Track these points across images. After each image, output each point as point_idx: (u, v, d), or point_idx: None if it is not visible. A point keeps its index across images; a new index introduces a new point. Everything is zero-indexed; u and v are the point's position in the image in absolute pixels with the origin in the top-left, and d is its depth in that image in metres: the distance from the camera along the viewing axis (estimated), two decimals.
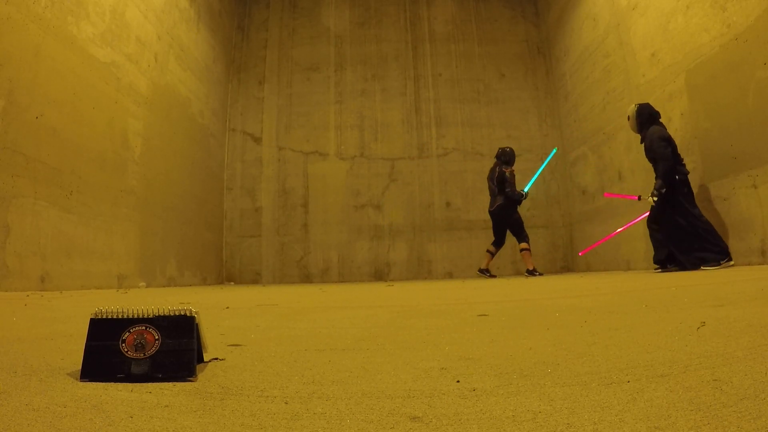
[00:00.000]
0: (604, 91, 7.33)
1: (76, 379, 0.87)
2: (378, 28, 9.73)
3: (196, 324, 0.92)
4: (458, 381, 0.84)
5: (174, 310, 0.91)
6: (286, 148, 9.15)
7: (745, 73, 4.53)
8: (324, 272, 8.73)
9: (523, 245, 6.91)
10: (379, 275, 8.74)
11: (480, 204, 8.64)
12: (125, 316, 0.90)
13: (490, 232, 9.05)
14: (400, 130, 9.24)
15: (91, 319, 0.90)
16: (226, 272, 8.75)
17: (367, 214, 8.90)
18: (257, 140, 9.21)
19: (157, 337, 0.88)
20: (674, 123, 5.63)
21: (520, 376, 0.86)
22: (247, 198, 9.01)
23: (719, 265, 4.42)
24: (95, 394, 0.78)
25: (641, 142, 5.11)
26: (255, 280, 8.72)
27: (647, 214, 5.13)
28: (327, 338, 1.39)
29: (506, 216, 7.00)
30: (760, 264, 4.39)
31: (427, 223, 8.87)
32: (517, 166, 9.06)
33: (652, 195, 4.78)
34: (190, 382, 0.86)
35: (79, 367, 0.88)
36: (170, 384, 0.84)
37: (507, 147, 7.18)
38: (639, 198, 5.37)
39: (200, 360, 0.99)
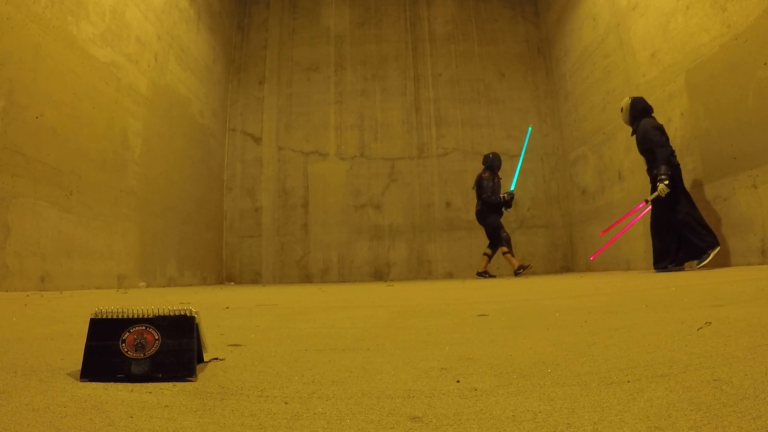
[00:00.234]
0: (604, 91, 7.33)
1: (76, 379, 0.87)
2: (378, 28, 9.73)
3: (196, 324, 0.92)
4: (458, 381, 0.84)
5: (174, 310, 0.91)
6: (286, 148, 9.15)
7: (745, 73, 4.53)
8: (324, 272, 8.73)
9: (503, 249, 7.04)
10: (379, 275, 8.74)
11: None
12: (125, 316, 0.90)
13: None
14: (400, 130, 9.24)
15: (91, 319, 0.90)
16: (226, 272, 8.75)
17: (367, 214, 8.91)
18: (257, 140, 9.21)
19: (157, 337, 0.88)
20: (674, 123, 5.63)
21: (520, 376, 0.86)
22: (247, 198, 9.01)
23: (709, 256, 4.45)
24: (95, 394, 0.78)
25: (632, 134, 5.11)
26: (255, 280, 8.72)
27: (649, 209, 5.05)
28: (327, 338, 1.39)
29: (482, 220, 7.15)
30: (760, 264, 4.39)
31: (427, 223, 8.87)
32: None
33: (662, 182, 4.59)
34: (190, 382, 0.86)
35: (79, 367, 0.88)
36: (170, 384, 0.84)
37: (491, 153, 7.34)
38: (647, 201, 4.97)
39: (200, 360, 0.99)
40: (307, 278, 8.72)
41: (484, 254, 7.12)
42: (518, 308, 2.04)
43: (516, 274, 6.94)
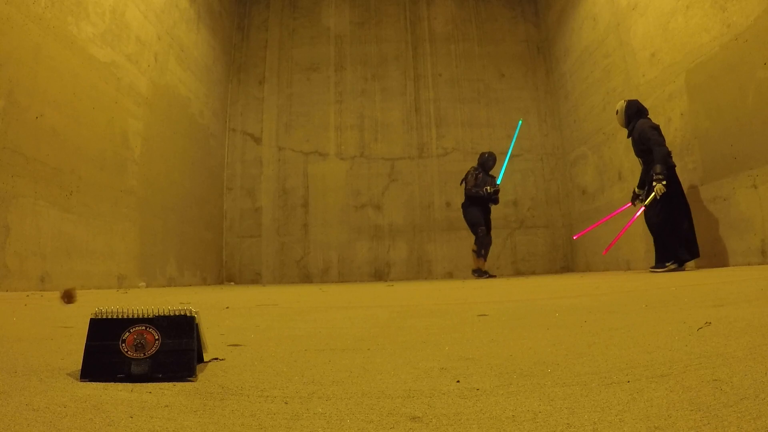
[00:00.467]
0: (604, 91, 7.33)
1: (76, 379, 0.87)
2: (378, 28, 9.73)
3: (196, 324, 0.92)
4: (458, 381, 0.84)
5: (174, 310, 0.91)
6: (286, 148, 9.15)
7: (745, 73, 4.53)
8: (324, 272, 8.73)
9: (473, 247, 7.04)
10: (379, 275, 8.74)
11: None
12: (125, 316, 0.90)
13: (490, 232, 9.08)
14: (400, 130, 9.24)
15: (91, 319, 0.90)
16: (226, 272, 8.75)
17: (367, 214, 8.91)
18: (257, 140, 9.21)
19: (157, 337, 0.88)
20: (674, 123, 5.63)
21: (520, 376, 0.86)
22: (247, 198, 9.01)
23: (665, 268, 4.59)
24: (95, 394, 0.78)
25: (628, 136, 5.11)
26: (255, 280, 8.72)
27: (641, 210, 5.05)
28: (327, 338, 1.39)
29: (464, 214, 7.19)
30: (760, 264, 4.39)
31: (427, 223, 8.87)
32: (517, 166, 9.05)
33: (659, 182, 4.55)
34: (190, 382, 0.86)
35: (79, 367, 0.88)
36: (170, 384, 0.84)
37: (487, 152, 7.36)
38: (645, 205, 4.90)
39: (200, 360, 0.99)
40: (307, 278, 8.72)
41: (473, 251, 7.08)
42: (518, 308, 2.04)
43: (473, 272, 6.97)
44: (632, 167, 6.60)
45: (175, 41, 7.04)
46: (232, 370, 0.97)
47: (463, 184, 7.20)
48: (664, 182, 4.57)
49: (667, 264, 4.61)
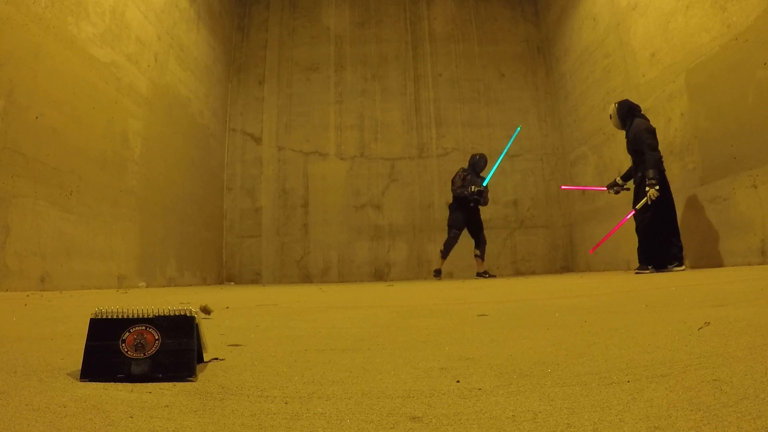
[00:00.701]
0: (604, 91, 7.33)
1: (76, 379, 0.87)
2: (378, 28, 9.73)
3: (196, 324, 0.92)
4: (458, 381, 0.84)
5: (174, 310, 0.91)
6: (286, 148, 9.15)
7: (745, 73, 4.53)
8: (324, 272, 8.73)
9: (441, 248, 7.07)
10: (379, 275, 8.74)
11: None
12: (125, 316, 0.90)
13: (490, 233, 9.05)
14: (400, 130, 9.24)
15: (91, 319, 0.90)
16: (226, 272, 8.75)
17: (367, 214, 8.91)
18: (257, 140, 9.22)
19: (157, 337, 0.88)
20: (674, 123, 5.63)
21: (520, 376, 0.86)
22: (247, 198, 9.01)
23: (646, 270, 4.68)
24: (95, 394, 0.78)
25: (626, 137, 5.13)
26: (255, 280, 8.72)
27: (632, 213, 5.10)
28: (327, 338, 1.39)
29: (449, 211, 7.20)
30: (760, 264, 4.39)
31: (427, 223, 8.87)
32: (517, 166, 9.06)
33: (652, 187, 4.60)
34: (190, 382, 0.86)
35: (79, 367, 0.88)
36: (170, 384, 0.84)
37: (478, 154, 7.35)
38: (636, 209, 4.96)
39: (200, 360, 0.99)
40: (307, 278, 8.72)
41: (475, 256, 7.09)
42: (518, 308, 2.04)
43: (435, 273, 7.04)
44: None
45: (175, 41, 7.04)
46: (232, 370, 0.97)
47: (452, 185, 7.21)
48: (657, 187, 4.61)
49: (649, 268, 4.71)
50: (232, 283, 8.62)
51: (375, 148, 9.15)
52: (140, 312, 0.90)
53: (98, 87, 5.19)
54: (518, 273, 8.68)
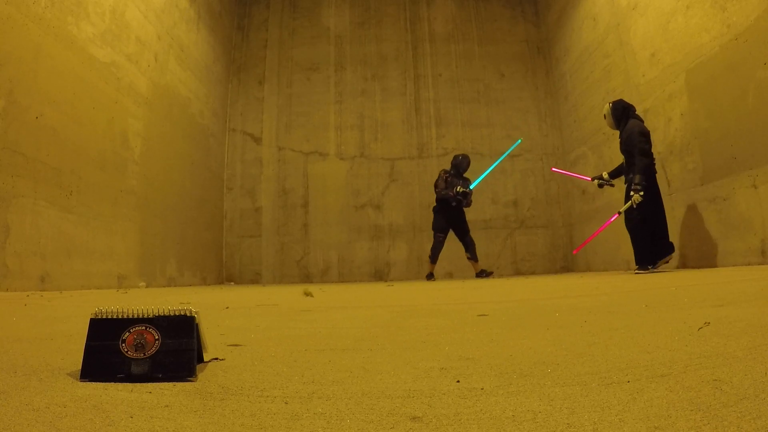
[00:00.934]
0: (604, 91, 7.33)
1: (76, 379, 0.87)
2: (378, 28, 9.73)
3: (196, 324, 0.92)
4: (458, 381, 0.84)
5: (174, 310, 0.91)
6: (286, 148, 9.15)
7: (745, 73, 4.53)
8: (324, 272, 8.73)
9: (429, 253, 7.03)
10: (379, 275, 8.74)
11: (479, 204, 8.64)
12: (125, 316, 0.90)
13: (490, 233, 9.06)
14: (400, 130, 9.24)
15: (91, 319, 0.90)
16: (226, 272, 8.75)
17: (367, 214, 8.91)
18: (257, 140, 9.21)
19: (157, 337, 0.88)
20: (674, 123, 5.63)
21: (520, 376, 0.86)
22: (247, 198, 9.01)
23: (646, 270, 4.73)
24: (95, 394, 0.78)
25: (620, 137, 5.16)
26: (255, 280, 8.72)
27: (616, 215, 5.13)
28: (327, 338, 1.39)
29: (433, 214, 7.14)
30: (760, 264, 4.39)
31: (427, 223, 8.83)
32: (517, 166, 9.06)
33: (636, 192, 4.68)
34: (190, 382, 0.86)
35: (79, 367, 0.88)
36: (170, 384, 0.84)
37: (460, 154, 7.26)
38: (620, 213, 5.05)
39: (200, 360, 0.99)
40: (307, 278, 8.72)
41: (468, 259, 7.06)
42: (518, 308, 2.04)
43: (428, 277, 7.01)
44: None
45: (175, 41, 7.04)
46: (232, 370, 0.97)
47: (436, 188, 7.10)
48: (641, 193, 4.68)
49: (650, 268, 4.74)
50: (232, 283, 8.62)
51: (375, 148, 9.15)
52: (140, 312, 0.90)
53: (98, 87, 5.19)
54: (518, 273, 8.68)
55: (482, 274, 6.93)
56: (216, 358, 1.07)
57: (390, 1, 9.87)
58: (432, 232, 7.19)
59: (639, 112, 6.21)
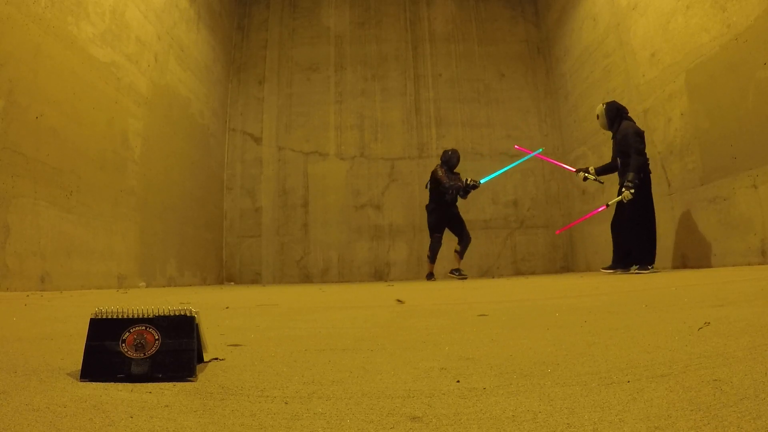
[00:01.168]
0: (604, 91, 7.33)
1: (76, 379, 0.87)
2: (378, 28, 9.73)
3: (196, 324, 0.92)
4: (458, 381, 0.84)
5: (174, 310, 0.91)
6: (286, 148, 9.15)
7: (745, 73, 4.53)
8: (324, 272, 8.73)
9: (428, 252, 6.93)
10: (379, 275, 8.74)
11: (479, 204, 8.64)
12: (125, 316, 0.90)
13: (490, 233, 9.05)
14: (400, 130, 9.24)
15: (91, 319, 0.90)
16: (226, 272, 8.75)
17: (367, 214, 8.90)
18: (257, 140, 9.21)
19: (157, 337, 0.88)
20: (674, 123, 5.63)
21: (520, 376, 0.86)
22: (247, 198, 9.01)
23: (646, 270, 4.73)
24: (95, 394, 0.78)
25: (613, 138, 5.19)
26: (255, 280, 8.72)
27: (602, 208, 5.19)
28: (327, 338, 1.39)
29: (427, 215, 7.02)
30: (760, 264, 4.39)
31: (427, 223, 8.86)
32: (518, 166, 9.06)
33: (628, 189, 4.71)
34: (190, 382, 0.86)
35: (79, 367, 0.88)
36: (170, 384, 0.84)
37: (450, 149, 7.11)
38: (608, 205, 5.17)
39: (200, 360, 0.99)
40: (307, 278, 8.72)
41: (455, 251, 6.93)
42: (518, 308, 2.04)
43: (428, 276, 6.94)
44: None
45: (175, 41, 7.04)
46: (232, 370, 0.97)
47: (430, 185, 6.93)
48: (633, 191, 4.71)
49: (650, 268, 4.77)
50: (232, 283, 8.62)
51: (375, 148, 9.15)
52: (140, 312, 0.90)
53: (98, 87, 5.19)
54: (518, 273, 8.68)
55: (456, 272, 6.79)
56: (216, 358, 1.07)
57: (390, 1, 9.86)
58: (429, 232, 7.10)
59: (639, 112, 6.24)
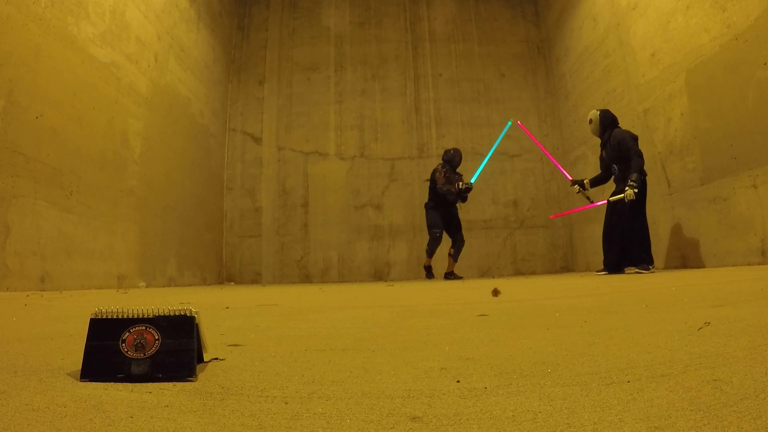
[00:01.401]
0: (604, 91, 7.33)
1: (76, 379, 0.87)
2: (378, 28, 9.73)
3: (196, 324, 0.92)
4: (458, 381, 0.84)
5: (174, 310, 0.91)
6: (286, 148, 9.15)
7: (745, 73, 4.53)
8: (324, 272, 8.73)
9: (426, 248, 6.93)
10: (379, 275, 8.74)
11: (479, 204, 8.64)
12: (125, 316, 0.90)
13: (490, 233, 9.05)
14: (400, 130, 9.24)
15: (91, 319, 0.90)
16: (226, 272, 8.75)
17: (367, 214, 8.90)
18: (257, 140, 9.22)
19: (157, 337, 0.88)
20: (674, 123, 5.63)
21: (520, 376, 0.86)
22: (247, 198, 9.01)
23: (648, 270, 4.77)
24: (95, 394, 0.78)
25: (602, 146, 5.28)
26: (255, 280, 8.72)
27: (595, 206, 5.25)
28: (327, 338, 1.39)
29: (426, 213, 7.03)
30: (760, 264, 4.39)
31: (426, 220, 8.86)
32: (517, 166, 9.06)
33: (632, 188, 4.73)
34: (190, 382, 0.86)
35: (79, 367, 0.88)
36: (170, 384, 0.84)
37: (452, 148, 7.13)
38: (608, 200, 5.19)
39: (200, 360, 0.99)
40: (307, 278, 8.72)
41: (449, 254, 6.95)
42: (518, 308, 2.04)
43: (426, 270, 6.96)
44: None
45: (175, 41, 7.04)
46: (232, 370, 0.97)
47: (429, 183, 6.95)
48: (636, 191, 4.75)
49: (651, 268, 4.81)
50: (232, 283, 8.62)
51: (375, 148, 9.15)
52: (140, 312, 0.90)
53: (98, 87, 5.19)
54: (518, 273, 8.68)
55: (451, 275, 6.82)
56: (216, 358, 1.07)
57: (390, 1, 9.86)
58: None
59: (639, 112, 6.27)
